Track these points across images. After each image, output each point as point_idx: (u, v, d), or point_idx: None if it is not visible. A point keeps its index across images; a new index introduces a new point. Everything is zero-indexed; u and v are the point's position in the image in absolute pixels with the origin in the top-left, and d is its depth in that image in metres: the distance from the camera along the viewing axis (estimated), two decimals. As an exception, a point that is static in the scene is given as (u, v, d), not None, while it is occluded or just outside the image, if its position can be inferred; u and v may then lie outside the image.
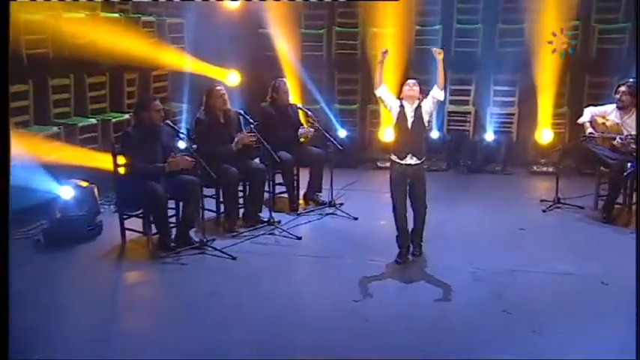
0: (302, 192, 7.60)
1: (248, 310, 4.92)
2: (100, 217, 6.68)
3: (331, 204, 7.31)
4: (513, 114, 9.66)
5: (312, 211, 7.31)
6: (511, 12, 9.58)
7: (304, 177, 7.58)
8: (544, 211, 7.33)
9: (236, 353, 4.31)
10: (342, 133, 9.27)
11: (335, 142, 7.24)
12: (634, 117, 6.92)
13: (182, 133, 6.15)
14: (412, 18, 9.67)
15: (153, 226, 6.15)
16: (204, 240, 6.10)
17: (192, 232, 6.25)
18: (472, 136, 9.66)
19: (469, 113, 9.76)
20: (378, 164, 9.45)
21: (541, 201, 7.59)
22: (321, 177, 7.50)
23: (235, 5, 9.30)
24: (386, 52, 5.84)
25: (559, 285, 5.39)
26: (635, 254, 5.59)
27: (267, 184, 6.98)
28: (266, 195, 7.10)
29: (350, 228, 6.83)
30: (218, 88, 6.75)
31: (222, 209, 6.86)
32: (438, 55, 5.82)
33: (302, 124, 7.52)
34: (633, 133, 6.77)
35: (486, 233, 6.63)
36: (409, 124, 5.80)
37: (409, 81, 5.92)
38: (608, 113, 7.13)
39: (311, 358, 4.25)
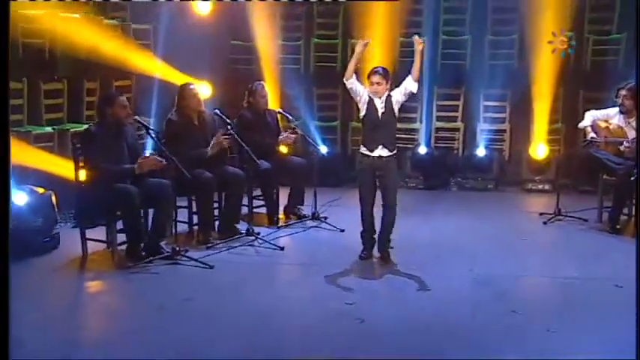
0: (282, 206, 7.42)
1: (230, 315, 4.72)
2: (57, 229, 6.38)
3: (315, 216, 7.15)
4: (505, 130, 9.71)
5: (293, 224, 7.12)
6: (500, 23, 9.73)
7: (283, 191, 7.42)
8: (545, 223, 7.30)
9: (219, 355, 4.06)
10: (323, 149, 9.15)
11: (317, 146, 7.16)
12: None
13: (152, 129, 5.95)
14: (395, 29, 9.72)
15: (118, 235, 5.91)
16: (177, 249, 5.86)
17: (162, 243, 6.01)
18: (462, 152, 9.66)
19: (458, 130, 9.79)
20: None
21: (540, 214, 7.56)
22: (304, 188, 7.36)
23: (206, 9, 9.24)
24: (367, 43, 5.87)
25: (564, 289, 5.34)
26: (635, 255, 5.62)
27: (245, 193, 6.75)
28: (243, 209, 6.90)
29: (337, 239, 6.71)
30: (191, 86, 6.64)
31: (194, 221, 6.65)
32: (419, 44, 5.89)
33: (282, 131, 7.39)
34: None
35: (484, 243, 6.57)
36: (379, 115, 5.88)
37: (373, 78, 5.89)
38: (610, 117, 7.17)
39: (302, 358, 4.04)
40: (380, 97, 5.85)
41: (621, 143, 6.89)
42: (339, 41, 9.89)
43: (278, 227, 7.01)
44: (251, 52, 9.87)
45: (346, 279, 5.49)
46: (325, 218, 7.21)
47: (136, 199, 5.74)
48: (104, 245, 6.08)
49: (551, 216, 7.37)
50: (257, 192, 7.23)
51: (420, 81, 6.00)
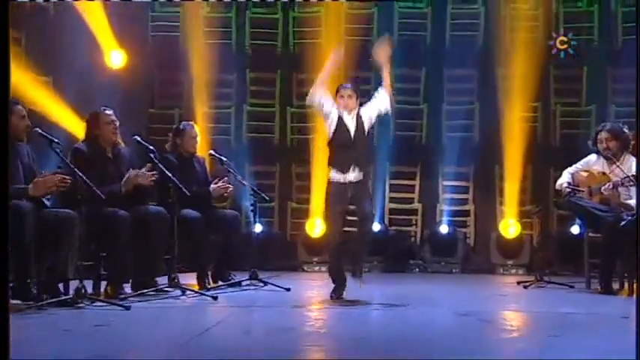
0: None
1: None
2: None
3: (254, 277, 6.84)
4: (468, 212, 9.80)
5: (226, 284, 6.80)
6: (457, 93, 10.08)
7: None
8: (525, 287, 7.17)
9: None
10: (257, 228, 8.94)
11: (260, 192, 7.03)
12: (626, 164, 7.01)
13: (57, 142, 5.64)
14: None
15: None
16: (82, 290, 5.41)
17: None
18: (421, 235, 9.65)
19: (415, 211, 9.82)
20: (305, 268, 9.15)
21: (518, 283, 7.46)
22: (238, 249, 7.06)
23: (119, 62, 9.24)
24: (339, 51, 6.12)
25: (562, 318, 5.22)
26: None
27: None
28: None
29: (282, 295, 6.46)
30: (108, 112, 6.39)
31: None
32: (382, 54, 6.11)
33: (211, 180, 7.18)
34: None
35: (460, 297, 6.53)
36: (351, 134, 6.00)
37: (343, 90, 6.09)
38: (591, 164, 7.27)
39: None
40: (350, 114, 5.99)
41: (599, 189, 6.93)
42: (276, 109, 10.01)
43: (207, 289, 6.62)
44: (172, 121, 9.85)
45: (300, 317, 5.23)
46: (266, 283, 6.93)
47: (29, 220, 5.32)
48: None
49: (530, 282, 7.28)
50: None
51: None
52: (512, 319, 5.15)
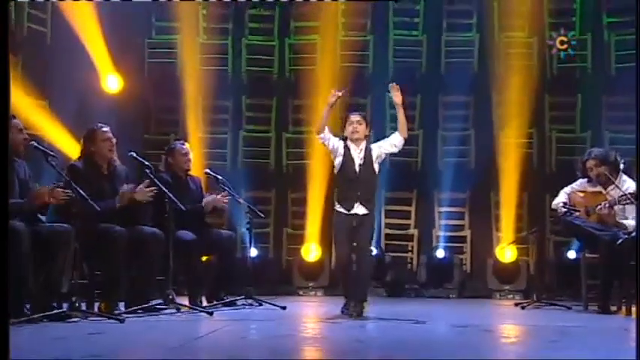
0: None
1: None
2: None
3: (249, 295, 6.82)
4: (464, 237, 9.81)
5: (220, 303, 6.77)
6: (452, 120, 10.16)
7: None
8: (523, 308, 7.17)
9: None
10: (253, 252, 8.93)
11: (255, 210, 7.04)
12: (623, 185, 7.02)
13: (53, 155, 5.67)
14: (336, 123, 9.98)
15: None
16: (76, 303, 5.40)
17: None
18: (417, 259, 9.65)
19: (411, 237, 9.84)
20: (300, 293, 9.12)
21: (515, 304, 7.47)
22: (234, 270, 7.06)
23: (116, 86, 9.31)
24: (341, 92, 6.16)
25: (565, 329, 5.22)
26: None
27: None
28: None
29: (278, 313, 6.44)
30: (104, 129, 6.42)
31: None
32: (396, 96, 6.19)
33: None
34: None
35: (457, 316, 6.57)
36: (356, 168, 6.04)
37: (352, 118, 6.17)
38: (587, 185, 7.29)
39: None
40: (358, 146, 6.05)
41: (596, 208, 6.96)
42: (272, 135, 10.07)
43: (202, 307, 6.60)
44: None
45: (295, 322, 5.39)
46: (261, 303, 6.92)
47: (23, 238, 5.31)
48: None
49: (528, 302, 7.28)
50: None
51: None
52: (510, 329, 5.17)
